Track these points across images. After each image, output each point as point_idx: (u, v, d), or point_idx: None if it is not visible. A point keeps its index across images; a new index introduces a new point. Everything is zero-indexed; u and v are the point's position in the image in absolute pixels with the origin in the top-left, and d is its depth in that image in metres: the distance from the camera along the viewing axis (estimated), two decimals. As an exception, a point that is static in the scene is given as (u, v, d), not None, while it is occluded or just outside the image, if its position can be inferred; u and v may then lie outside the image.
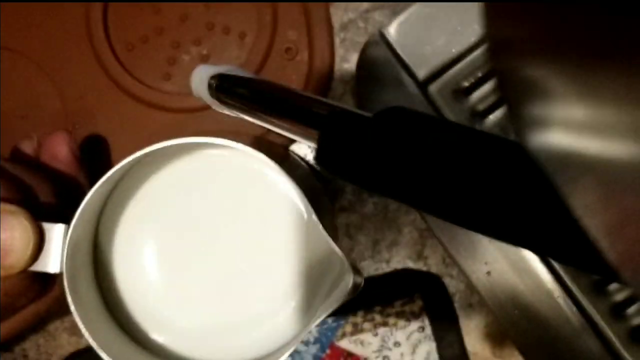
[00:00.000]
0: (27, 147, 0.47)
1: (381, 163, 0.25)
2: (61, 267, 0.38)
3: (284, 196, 0.43)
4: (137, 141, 0.53)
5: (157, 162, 0.44)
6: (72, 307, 0.37)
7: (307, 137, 0.32)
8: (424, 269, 0.53)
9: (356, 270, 0.35)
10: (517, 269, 0.43)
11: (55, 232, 0.38)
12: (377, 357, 0.52)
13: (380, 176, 0.25)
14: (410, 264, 0.53)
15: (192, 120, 0.53)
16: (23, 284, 0.39)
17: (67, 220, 0.38)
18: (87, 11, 0.53)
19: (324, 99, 0.34)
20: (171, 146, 0.39)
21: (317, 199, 0.44)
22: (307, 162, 0.52)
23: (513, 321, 0.43)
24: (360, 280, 0.35)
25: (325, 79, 0.53)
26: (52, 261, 0.38)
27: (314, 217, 0.36)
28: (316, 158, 0.29)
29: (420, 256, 0.53)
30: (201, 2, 0.53)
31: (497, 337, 0.52)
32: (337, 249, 0.35)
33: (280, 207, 0.43)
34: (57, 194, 0.43)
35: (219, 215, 0.44)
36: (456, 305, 0.53)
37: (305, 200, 0.36)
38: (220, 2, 0.53)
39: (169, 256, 0.44)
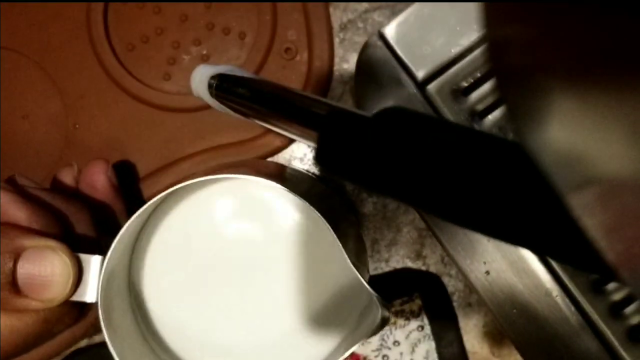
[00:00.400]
0: (67, 176, 0.47)
1: (380, 163, 0.25)
2: (97, 297, 0.39)
3: (308, 224, 0.44)
4: (137, 141, 0.53)
5: (183, 192, 0.45)
6: (107, 338, 0.38)
7: (306, 136, 0.32)
8: (423, 268, 0.53)
9: (384, 304, 0.36)
10: (516, 269, 0.43)
11: (92, 264, 0.39)
12: (376, 356, 0.52)
13: (379, 176, 0.25)
14: (409, 264, 0.53)
15: (192, 120, 0.53)
16: (61, 312, 0.40)
17: (102, 250, 0.39)
18: (87, 11, 0.53)
19: (323, 99, 0.34)
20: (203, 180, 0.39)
21: (339, 218, 0.45)
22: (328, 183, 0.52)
23: (511, 320, 0.43)
24: (387, 314, 0.36)
25: (325, 79, 0.53)
26: (89, 291, 0.39)
27: (339, 244, 0.37)
28: (315, 158, 0.29)
29: (419, 255, 0.53)
30: (201, 3, 0.53)
31: (495, 336, 0.52)
32: (365, 283, 0.36)
33: (306, 234, 0.44)
34: (95, 223, 0.44)
35: (242, 242, 0.45)
36: (455, 304, 0.53)
37: (331, 229, 0.37)
38: (220, 3, 0.53)
39: (197, 283, 0.46)
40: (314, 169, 0.53)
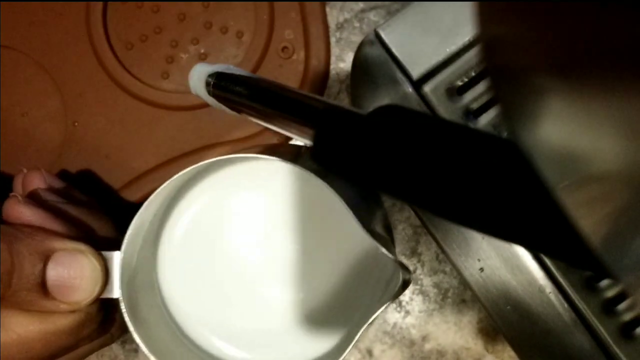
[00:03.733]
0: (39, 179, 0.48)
1: (375, 160, 0.25)
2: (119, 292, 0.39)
3: (326, 202, 0.44)
4: (136, 139, 0.54)
5: (199, 177, 0.45)
6: (132, 330, 0.39)
7: (302, 134, 0.33)
8: (418, 265, 0.53)
9: (404, 267, 0.36)
10: (510, 265, 0.43)
11: (115, 260, 0.40)
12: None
13: (374, 173, 0.25)
14: (404, 260, 0.54)
15: (190, 118, 0.54)
16: (89, 313, 0.40)
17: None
18: (87, 10, 0.54)
19: (320, 97, 0.34)
20: (213, 162, 0.39)
21: (361, 200, 0.45)
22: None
23: (505, 316, 0.43)
24: (408, 276, 0.36)
25: (321, 78, 0.53)
26: (113, 288, 0.40)
27: (355, 219, 0.36)
28: (312, 155, 0.29)
29: (414, 252, 0.53)
30: (199, 2, 0.53)
31: (489, 332, 0.53)
32: (382, 248, 0.36)
33: (323, 212, 0.45)
34: (117, 227, 0.45)
35: (262, 224, 0.46)
36: (449, 300, 0.53)
37: (344, 204, 0.37)
38: (218, 2, 0.53)
39: (217, 270, 0.46)
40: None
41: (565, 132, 0.15)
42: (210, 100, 0.40)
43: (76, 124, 0.54)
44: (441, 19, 0.44)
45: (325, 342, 0.45)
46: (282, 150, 0.50)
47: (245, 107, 0.38)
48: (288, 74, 0.53)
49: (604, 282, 0.43)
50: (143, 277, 0.43)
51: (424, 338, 0.53)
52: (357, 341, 0.37)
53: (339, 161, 0.27)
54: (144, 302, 0.42)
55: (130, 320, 0.38)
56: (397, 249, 0.53)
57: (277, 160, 0.38)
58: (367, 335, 0.54)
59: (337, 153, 0.27)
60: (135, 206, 0.39)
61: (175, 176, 0.39)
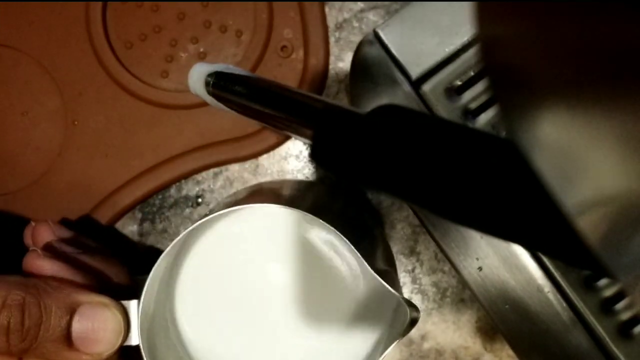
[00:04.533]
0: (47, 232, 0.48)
1: (374, 159, 0.25)
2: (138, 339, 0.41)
3: (330, 244, 0.45)
4: (135, 138, 0.54)
5: (208, 225, 0.46)
6: None
7: (301, 133, 0.33)
8: (417, 264, 0.53)
9: (411, 305, 0.36)
10: (508, 265, 0.43)
11: (132, 308, 0.41)
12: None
13: (373, 172, 0.25)
14: (403, 260, 0.54)
15: (190, 117, 0.54)
16: (111, 358, 0.41)
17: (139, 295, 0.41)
18: (86, 9, 0.54)
19: (319, 97, 0.34)
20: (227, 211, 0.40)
21: (359, 228, 0.45)
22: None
23: (504, 316, 0.43)
24: (417, 315, 0.37)
25: (320, 77, 0.53)
26: (134, 334, 0.41)
27: (362, 261, 0.37)
28: (311, 154, 0.29)
29: (412, 252, 0.53)
30: (199, 2, 0.53)
31: (488, 331, 0.53)
32: (391, 290, 0.36)
33: (326, 252, 0.45)
34: (130, 271, 0.46)
35: (266, 267, 0.46)
36: (448, 300, 0.53)
37: (351, 246, 0.37)
38: (217, 2, 0.54)
39: (227, 311, 0.46)
40: (313, 170, 0.54)
41: (564, 131, 0.15)
42: (210, 100, 0.40)
43: (76, 122, 0.54)
44: (440, 19, 0.44)
45: None
46: (285, 192, 0.51)
47: (245, 106, 0.38)
48: (287, 73, 0.53)
49: (602, 281, 0.43)
50: (160, 320, 0.44)
51: (423, 337, 0.54)
52: None
53: (338, 160, 0.27)
54: (161, 343, 0.43)
55: None
56: (396, 248, 0.54)
57: (280, 207, 0.39)
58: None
59: (336, 152, 0.27)
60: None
61: (190, 228, 0.40)
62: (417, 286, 0.53)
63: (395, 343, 0.36)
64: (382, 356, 0.37)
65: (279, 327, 0.46)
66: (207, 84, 0.40)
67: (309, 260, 0.45)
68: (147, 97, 0.54)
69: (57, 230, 0.47)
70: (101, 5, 0.54)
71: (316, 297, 0.46)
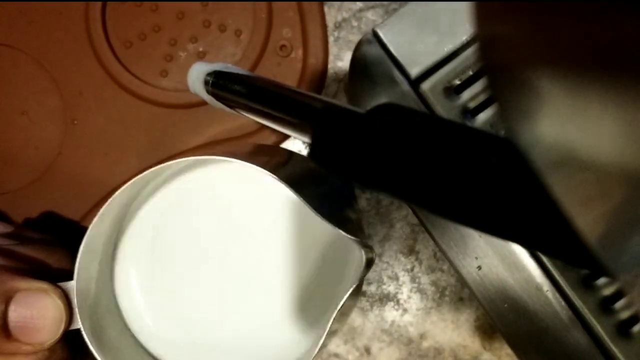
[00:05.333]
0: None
1: (373, 158, 0.25)
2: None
3: (286, 199, 0.43)
4: (134, 136, 0.54)
5: (154, 183, 0.44)
6: (97, 356, 0.37)
7: (301, 132, 0.33)
8: (416, 263, 0.54)
9: (366, 245, 0.35)
10: (507, 264, 0.43)
11: (73, 289, 0.38)
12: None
13: (372, 171, 0.25)
14: (402, 259, 0.54)
15: (189, 116, 0.54)
16: (55, 348, 0.39)
17: None
18: (86, 9, 0.54)
19: (318, 96, 0.34)
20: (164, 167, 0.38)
21: (332, 201, 0.44)
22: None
23: (502, 314, 0.43)
24: (371, 255, 0.35)
25: (319, 76, 0.53)
26: (76, 317, 0.38)
27: (309, 207, 0.35)
28: (310, 153, 0.29)
29: (411, 251, 0.54)
30: (198, 1, 0.54)
31: (487, 330, 0.53)
32: (341, 231, 0.34)
33: (283, 210, 0.43)
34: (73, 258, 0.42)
35: (220, 227, 0.44)
36: (447, 299, 0.53)
37: (295, 192, 0.35)
38: (216, 1, 0.54)
39: (186, 275, 0.44)
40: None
41: (562, 130, 0.15)
42: (209, 99, 0.40)
43: (75, 122, 0.54)
44: (439, 18, 0.44)
45: (304, 339, 0.44)
46: (265, 151, 0.49)
47: (244, 105, 0.38)
48: (286, 72, 0.54)
49: (601, 281, 0.43)
50: (108, 302, 0.42)
51: (422, 336, 0.54)
52: (330, 329, 0.36)
53: (337, 159, 0.27)
54: (111, 327, 0.41)
55: (96, 349, 0.38)
56: (395, 247, 0.54)
57: (233, 160, 0.37)
58: (364, 333, 0.54)
59: (336, 151, 0.27)
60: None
61: (123, 187, 0.37)
62: (415, 285, 0.54)
63: (352, 288, 0.35)
64: (340, 303, 0.35)
65: (242, 296, 0.44)
66: (206, 83, 0.40)
67: (271, 221, 0.44)
68: (147, 97, 0.54)
69: None
70: (100, 5, 0.54)
71: (278, 259, 0.44)
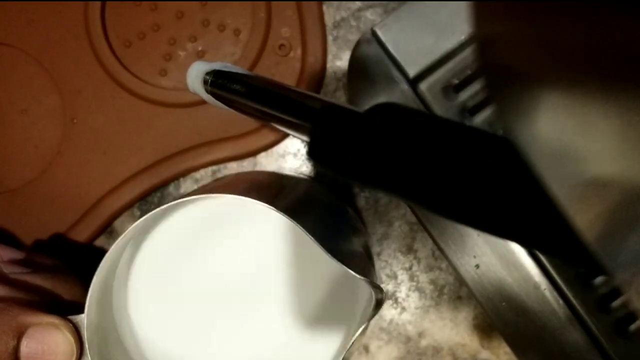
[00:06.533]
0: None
1: (372, 157, 0.25)
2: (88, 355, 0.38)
3: (292, 232, 0.43)
4: (134, 136, 0.54)
5: (164, 217, 0.44)
6: None
7: (299, 131, 0.33)
8: (414, 261, 0.54)
9: (375, 286, 0.35)
10: (505, 262, 0.43)
11: (83, 323, 0.38)
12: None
13: (371, 170, 0.25)
14: (401, 257, 0.54)
15: (188, 115, 0.54)
16: None
17: None
18: (85, 8, 0.54)
19: (317, 95, 0.34)
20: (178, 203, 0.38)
21: (332, 225, 0.44)
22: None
23: (501, 313, 0.43)
24: (381, 295, 0.35)
25: (318, 75, 0.53)
26: (85, 352, 0.38)
27: (318, 244, 0.35)
28: (308, 152, 0.29)
29: (410, 249, 0.54)
30: (197, 1, 0.54)
31: (485, 328, 0.53)
32: (350, 271, 0.34)
33: (289, 242, 0.43)
34: (84, 286, 0.42)
35: (234, 260, 0.44)
36: (445, 297, 0.53)
37: (304, 230, 0.35)
38: (215, 0, 0.54)
39: (186, 308, 0.44)
40: (310, 168, 0.54)
41: (560, 130, 0.15)
42: (208, 98, 0.40)
43: (75, 121, 0.54)
44: (437, 18, 0.44)
45: None
46: (257, 184, 0.48)
47: (243, 104, 0.38)
48: (285, 72, 0.54)
49: (599, 279, 0.43)
50: (115, 335, 0.42)
51: (420, 334, 0.54)
52: None
53: (336, 158, 0.27)
54: (120, 357, 0.41)
55: None
56: (394, 246, 0.54)
57: (240, 198, 0.36)
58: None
59: (334, 150, 0.27)
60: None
61: (135, 224, 0.37)
62: (414, 284, 0.54)
63: (362, 328, 0.34)
64: (350, 342, 0.35)
65: (246, 323, 0.44)
66: (205, 82, 0.40)
67: (280, 255, 0.44)
68: (146, 95, 0.54)
69: (5, 252, 0.45)
70: (100, 4, 0.54)
71: (286, 289, 0.44)
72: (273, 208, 0.35)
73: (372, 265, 0.51)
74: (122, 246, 0.40)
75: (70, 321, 0.38)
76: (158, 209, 0.37)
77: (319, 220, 0.39)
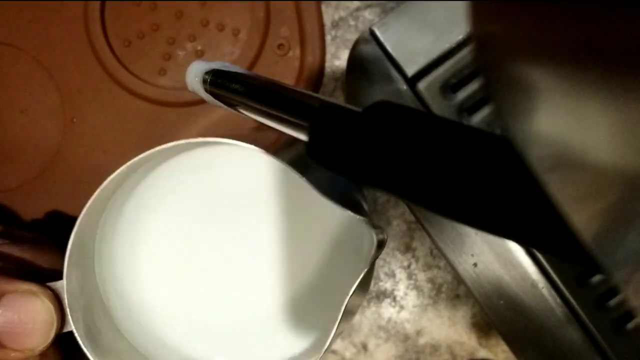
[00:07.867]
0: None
1: (370, 156, 0.25)
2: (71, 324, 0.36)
3: (289, 184, 0.42)
4: (133, 135, 0.54)
5: (149, 166, 0.42)
6: (91, 358, 0.35)
7: (298, 130, 0.33)
8: (412, 260, 0.54)
9: (376, 226, 0.33)
10: (503, 261, 0.43)
11: (63, 289, 0.36)
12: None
13: (369, 169, 0.25)
14: (399, 256, 0.54)
15: (187, 114, 0.54)
16: (47, 353, 0.36)
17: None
18: (85, 8, 0.54)
19: (315, 94, 0.34)
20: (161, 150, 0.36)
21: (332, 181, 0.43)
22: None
23: (498, 311, 0.43)
24: (382, 236, 0.34)
25: (317, 75, 0.53)
26: (67, 320, 0.36)
27: (316, 191, 0.34)
28: (306, 151, 0.29)
29: (408, 248, 0.54)
30: (196, 0, 0.54)
31: (483, 326, 0.53)
32: (349, 211, 0.33)
33: (285, 191, 0.42)
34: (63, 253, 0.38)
35: (222, 211, 0.43)
36: (443, 295, 0.53)
37: (305, 180, 0.34)
38: (215, 0, 0.54)
39: (179, 263, 0.42)
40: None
41: (558, 128, 0.15)
42: (207, 97, 0.41)
43: (74, 120, 0.55)
44: (435, 17, 0.44)
45: (311, 329, 0.42)
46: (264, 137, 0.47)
47: (242, 103, 0.38)
48: (284, 71, 0.54)
49: (596, 278, 0.43)
50: (99, 303, 0.40)
51: (418, 332, 0.54)
52: (341, 319, 0.33)
53: (334, 157, 0.27)
54: (109, 329, 0.39)
55: (91, 352, 0.35)
56: (392, 245, 0.54)
57: (234, 142, 0.36)
58: (361, 329, 0.54)
59: (333, 149, 0.27)
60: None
61: (109, 178, 0.35)
62: (412, 282, 0.54)
63: (363, 273, 0.33)
64: (354, 286, 0.33)
65: (248, 283, 0.42)
66: (204, 81, 0.40)
67: (277, 206, 0.42)
68: (145, 95, 0.54)
69: None
70: (99, 4, 0.54)
71: (285, 246, 0.42)
72: (274, 156, 0.35)
73: (368, 212, 0.50)
74: (100, 203, 0.37)
75: (50, 288, 0.36)
76: (136, 158, 0.35)
77: (320, 173, 0.38)
